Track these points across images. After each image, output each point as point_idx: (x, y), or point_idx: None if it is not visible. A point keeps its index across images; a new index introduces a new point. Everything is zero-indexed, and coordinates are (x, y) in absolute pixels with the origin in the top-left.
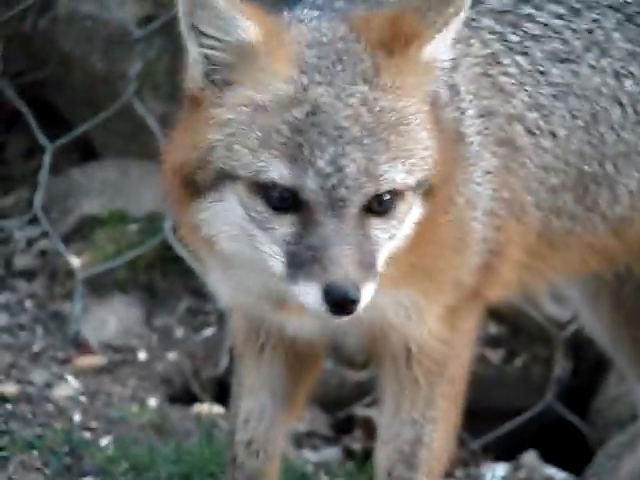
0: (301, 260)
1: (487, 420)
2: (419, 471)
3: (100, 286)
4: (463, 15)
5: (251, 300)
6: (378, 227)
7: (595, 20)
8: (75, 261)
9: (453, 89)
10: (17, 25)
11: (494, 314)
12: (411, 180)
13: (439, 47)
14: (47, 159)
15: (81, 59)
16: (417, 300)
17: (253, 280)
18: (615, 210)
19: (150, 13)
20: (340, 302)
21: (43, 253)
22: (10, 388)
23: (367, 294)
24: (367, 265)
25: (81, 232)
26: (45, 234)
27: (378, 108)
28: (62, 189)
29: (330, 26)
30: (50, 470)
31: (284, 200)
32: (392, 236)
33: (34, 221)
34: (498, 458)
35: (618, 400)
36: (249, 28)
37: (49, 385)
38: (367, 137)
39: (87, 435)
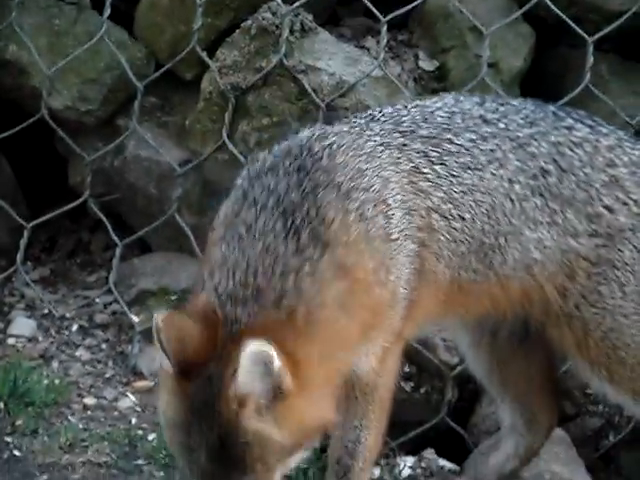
0: None
1: (402, 428)
2: (358, 460)
3: (150, 334)
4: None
5: None
6: None
7: (497, 144)
8: (135, 319)
9: (382, 203)
10: (100, 163)
11: (408, 358)
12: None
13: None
14: (118, 252)
15: (142, 187)
16: (368, 349)
17: None
18: (504, 270)
19: (187, 158)
20: None
21: (114, 313)
22: (90, 400)
23: None
24: None
25: (139, 300)
26: (116, 301)
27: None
28: (127, 272)
29: None
30: (115, 455)
31: None
32: None
33: (109, 292)
34: (408, 453)
35: (488, 417)
36: None
37: (116, 399)
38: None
39: (140, 432)
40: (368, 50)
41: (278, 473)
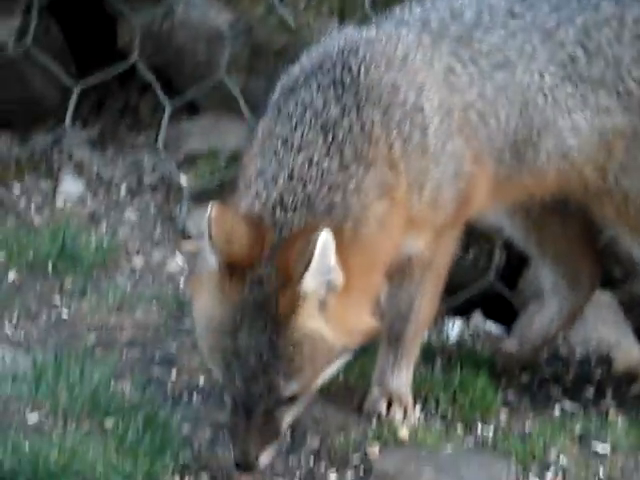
0: (229, 431)
1: (450, 291)
2: (411, 326)
3: (199, 196)
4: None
5: None
6: (282, 412)
7: (526, 38)
8: (183, 179)
9: (419, 112)
10: (149, 26)
11: None
12: (309, 382)
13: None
14: (167, 113)
15: (190, 50)
16: (411, 238)
17: None
18: (537, 163)
19: (236, 19)
20: (243, 469)
21: (163, 174)
22: (139, 262)
23: (266, 457)
24: (268, 437)
25: (188, 161)
26: (165, 162)
27: (280, 349)
28: (176, 133)
29: None
30: (164, 314)
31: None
32: (296, 409)
33: (158, 153)
34: (456, 315)
35: (535, 280)
36: None
37: (164, 260)
38: (271, 364)
39: (188, 293)
40: None
41: (320, 380)
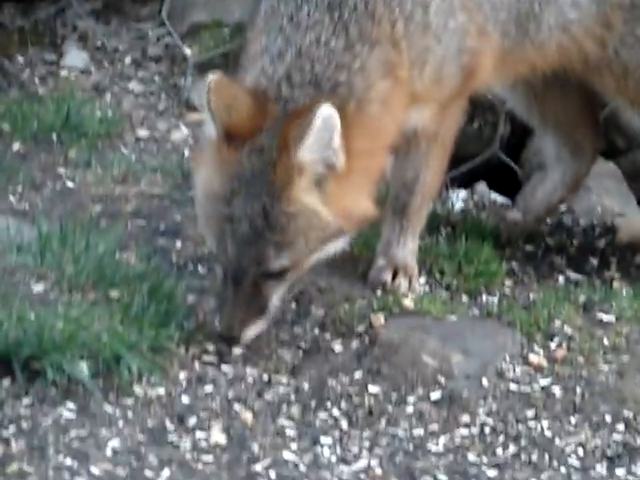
0: (217, 303)
1: (455, 162)
2: (416, 196)
3: (203, 67)
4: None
5: None
6: (271, 287)
7: None
8: (188, 51)
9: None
10: None
11: None
12: (299, 257)
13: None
14: None
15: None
16: (416, 110)
17: None
18: (539, 36)
19: None
20: (226, 341)
21: (167, 45)
22: (143, 132)
23: (250, 332)
24: (254, 312)
25: (192, 32)
26: (169, 33)
27: (272, 217)
28: (180, 4)
29: None
30: (168, 186)
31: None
32: (284, 287)
33: (162, 24)
34: (460, 186)
35: (539, 151)
36: None
37: (169, 131)
38: (262, 235)
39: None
40: None
41: (315, 257)
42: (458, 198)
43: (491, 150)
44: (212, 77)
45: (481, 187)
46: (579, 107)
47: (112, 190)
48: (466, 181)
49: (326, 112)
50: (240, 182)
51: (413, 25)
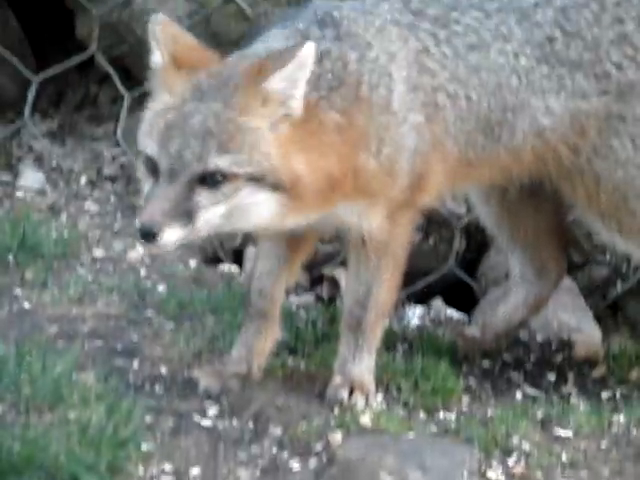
0: (143, 206)
1: (411, 278)
2: (370, 312)
3: None
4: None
5: None
6: (202, 195)
7: (502, 19)
8: None
9: (386, 75)
10: (108, 16)
11: None
12: (239, 169)
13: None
14: (125, 104)
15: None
16: (364, 209)
17: None
18: (513, 142)
19: (194, 9)
20: (144, 233)
21: (122, 165)
22: (99, 252)
23: (170, 235)
24: (179, 216)
25: None
26: (124, 152)
27: (223, 119)
28: (136, 123)
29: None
30: (124, 306)
31: (152, 169)
32: (216, 205)
33: (117, 144)
34: (417, 303)
35: (496, 266)
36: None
37: (125, 250)
38: (208, 134)
39: (149, 284)
40: None
41: (248, 195)
42: (414, 314)
43: (447, 266)
44: (157, 16)
45: (437, 303)
46: (549, 227)
47: (69, 310)
48: (422, 297)
49: (307, 51)
50: (195, 94)
51: (377, 96)
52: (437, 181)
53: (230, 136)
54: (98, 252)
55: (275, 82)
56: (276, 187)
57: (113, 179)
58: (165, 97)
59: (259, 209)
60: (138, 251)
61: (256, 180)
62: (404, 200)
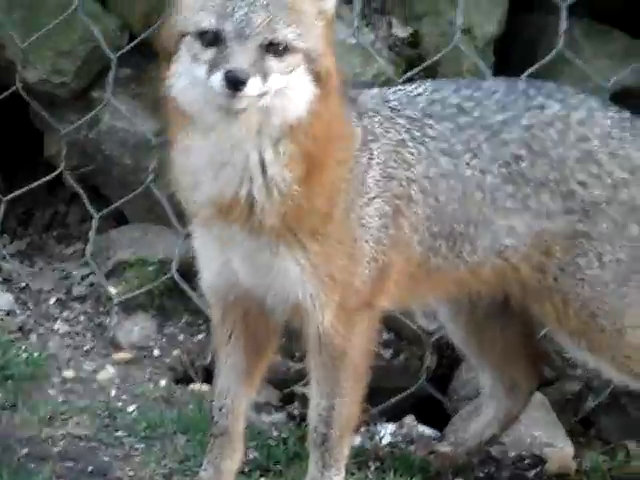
0: (215, 65)
1: (382, 395)
2: (333, 428)
3: (129, 307)
4: None
5: (210, 211)
6: (272, 61)
7: (472, 134)
8: (112, 290)
9: (369, 153)
10: (75, 135)
11: (386, 325)
12: (299, 43)
13: None
14: (94, 224)
15: (117, 158)
16: (318, 293)
17: (212, 157)
18: (473, 258)
19: (162, 128)
20: (232, 79)
21: (92, 285)
22: (70, 373)
23: (253, 86)
24: (258, 70)
25: (116, 272)
26: (93, 273)
27: None
28: (104, 243)
29: None
30: (95, 427)
31: (210, 40)
32: (283, 73)
33: (86, 264)
34: (388, 420)
35: (467, 383)
36: None
37: (95, 371)
38: (271, 6)
39: (119, 404)
40: (342, 18)
41: (302, 74)
42: (386, 432)
43: (418, 383)
44: None
45: (409, 420)
46: (519, 343)
47: (39, 432)
48: (394, 414)
49: None
50: None
51: (354, 174)
52: (397, 281)
53: (293, 12)
54: (68, 373)
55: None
56: (317, 77)
57: (82, 299)
58: None
59: (302, 94)
60: (108, 371)
61: (308, 62)
62: (363, 299)
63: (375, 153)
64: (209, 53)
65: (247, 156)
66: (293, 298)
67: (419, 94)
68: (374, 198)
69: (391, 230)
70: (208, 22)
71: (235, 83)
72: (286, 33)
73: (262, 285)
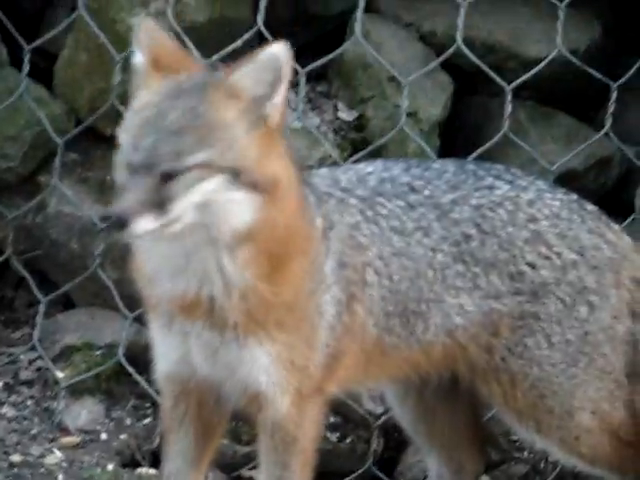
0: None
1: (329, 478)
2: None
3: (76, 391)
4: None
5: (171, 307)
6: (177, 185)
7: (422, 213)
8: (60, 374)
9: (327, 242)
10: (22, 220)
11: (333, 409)
12: (217, 162)
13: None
14: (42, 308)
15: (64, 243)
16: (280, 380)
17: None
18: (425, 336)
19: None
20: (114, 224)
21: (39, 369)
22: (16, 458)
23: (143, 224)
24: (154, 206)
25: (64, 356)
26: (40, 357)
27: (191, 116)
28: (52, 328)
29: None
30: None
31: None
32: (190, 194)
33: (33, 348)
34: None
35: (414, 465)
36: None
37: (42, 456)
38: (183, 130)
39: None
40: (287, 102)
41: (225, 197)
42: None
43: (365, 466)
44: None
45: None
46: (466, 427)
47: None
48: None
49: (275, 50)
50: (171, 93)
51: (316, 251)
52: (350, 365)
53: (205, 131)
54: (15, 457)
55: (241, 78)
56: (255, 187)
57: (30, 383)
58: (144, 96)
59: (236, 208)
60: (56, 455)
61: (236, 176)
62: (315, 384)
63: (332, 242)
64: (122, 178)
65: (205, 261)
66: (255, 386)
67: (369, 172)
68: (330, 286)
69: (344, 317)
70: (126, 145)
71: (118, 226)
72: (194, 159)
73: (222, 375)
